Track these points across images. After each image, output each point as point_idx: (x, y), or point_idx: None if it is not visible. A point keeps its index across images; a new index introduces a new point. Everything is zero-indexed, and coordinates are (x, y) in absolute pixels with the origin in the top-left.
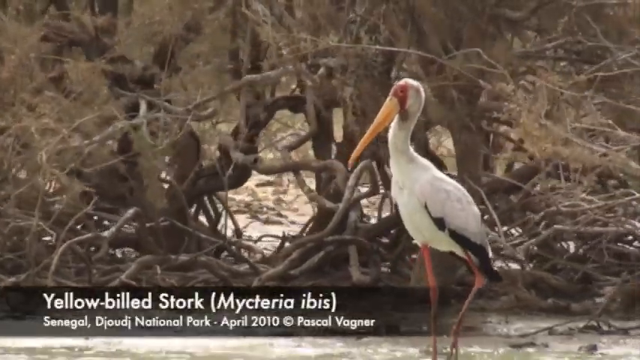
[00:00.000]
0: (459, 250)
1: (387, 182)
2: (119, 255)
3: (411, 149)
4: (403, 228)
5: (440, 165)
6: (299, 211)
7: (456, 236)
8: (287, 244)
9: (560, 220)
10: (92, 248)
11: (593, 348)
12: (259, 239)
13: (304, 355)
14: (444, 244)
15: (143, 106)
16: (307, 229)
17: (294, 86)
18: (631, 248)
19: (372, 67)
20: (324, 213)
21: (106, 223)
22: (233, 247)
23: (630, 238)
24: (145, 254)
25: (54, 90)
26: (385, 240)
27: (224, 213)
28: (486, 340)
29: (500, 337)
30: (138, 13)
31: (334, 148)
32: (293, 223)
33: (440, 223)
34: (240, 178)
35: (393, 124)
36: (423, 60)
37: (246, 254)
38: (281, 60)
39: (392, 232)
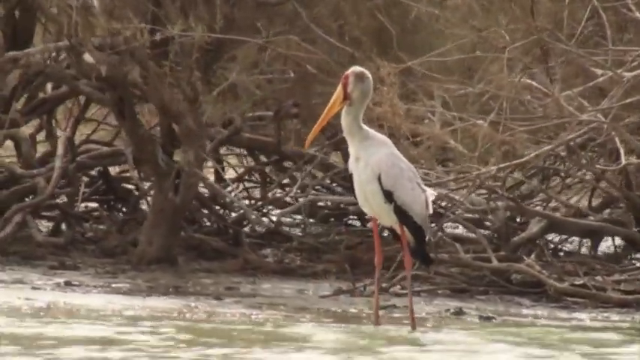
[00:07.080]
0: (398, 227)
1: None
2: None
3: (366, 128)
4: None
5: None
6: None
7: (400, 212)
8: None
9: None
10: None
11: (460, 312)
12: None
13: None
14: (388, 217)
15: None
16: None
17: None
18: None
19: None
20: None
21: None
22: None
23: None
24: None
25: None
26: None
27: None
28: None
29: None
30: None
31: None
32: None
33: (388, 196)
34: None
35: (343, 110)
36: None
37: None
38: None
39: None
